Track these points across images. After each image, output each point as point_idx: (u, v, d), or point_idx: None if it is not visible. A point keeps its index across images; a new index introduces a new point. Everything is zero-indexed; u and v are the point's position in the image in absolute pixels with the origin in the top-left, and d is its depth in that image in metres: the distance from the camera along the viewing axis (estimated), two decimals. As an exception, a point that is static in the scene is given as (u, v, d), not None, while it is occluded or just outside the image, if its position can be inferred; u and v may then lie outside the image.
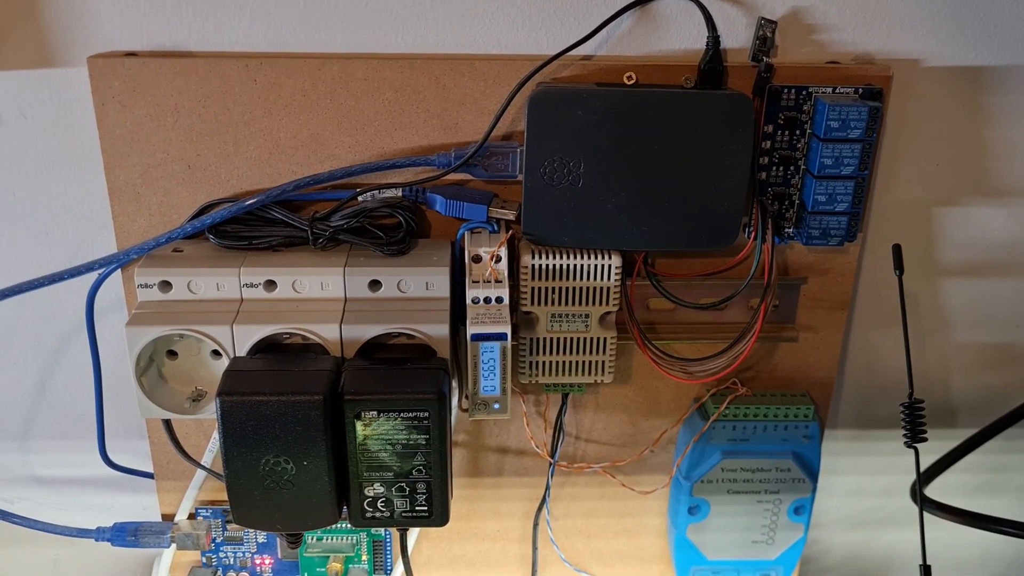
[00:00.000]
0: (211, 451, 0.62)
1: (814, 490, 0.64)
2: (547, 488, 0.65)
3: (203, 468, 0.61)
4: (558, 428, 0.62)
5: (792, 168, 0.57)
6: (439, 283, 0.54)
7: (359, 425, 0.50)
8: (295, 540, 0.55)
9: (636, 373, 0.63)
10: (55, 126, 0.57)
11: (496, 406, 0.54)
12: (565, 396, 0.62)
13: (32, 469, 0.72)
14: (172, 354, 0.55)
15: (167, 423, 0.59)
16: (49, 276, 0.55)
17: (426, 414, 0.50)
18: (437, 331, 0.53)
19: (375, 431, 0.50)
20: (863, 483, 0.78)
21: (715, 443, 0.62)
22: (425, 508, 0.52)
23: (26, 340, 0.66)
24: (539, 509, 0.66)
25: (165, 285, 0.54)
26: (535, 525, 0.67)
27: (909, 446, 0.58)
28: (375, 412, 0.49)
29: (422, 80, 0.54)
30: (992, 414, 0.66)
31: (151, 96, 0.54)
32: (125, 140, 0.55)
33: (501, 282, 0.54)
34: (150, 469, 0.70)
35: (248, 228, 0.56)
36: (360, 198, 0.56)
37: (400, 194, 0.56)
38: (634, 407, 0.64)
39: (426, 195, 0.56)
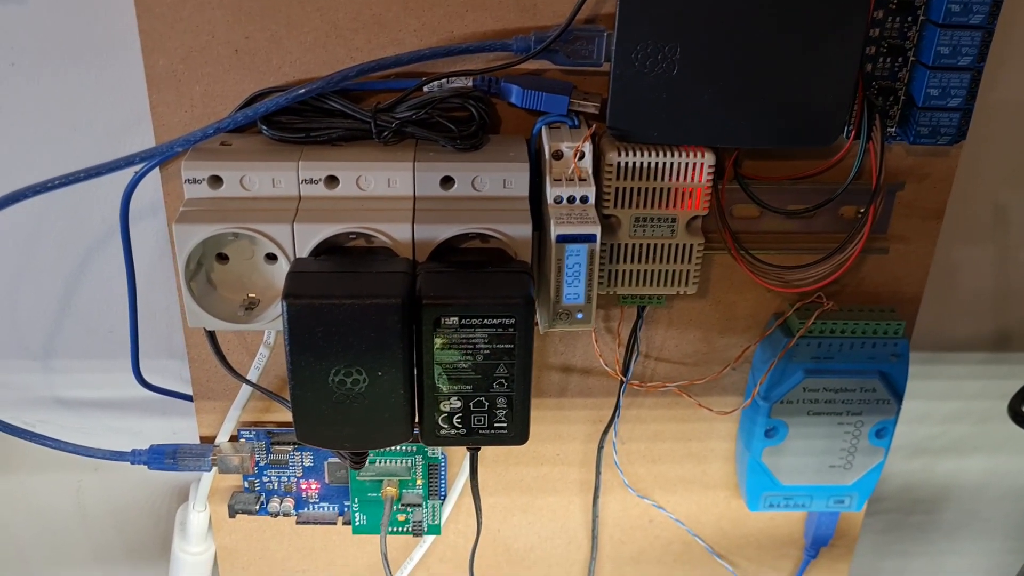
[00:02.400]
0: (257, 368, 0.57)
1: (898, 412, 0.60)
2: (616, 409, 0.61)
3: (252, 385, 0.56)
4: (632, 344, 0.58)
5: (900, 59, 0.52)
6: (518, 181, 0.49)
7: (437, 333, 0.45)
8: (359, 460, 0.50)
9: (713, 286, 0.58)
10: (85, 5, 0.51)
11: (579, 315, 0.49)
12: (641, 310, 0.57)
13: (55, 390, 0.68)
14: (222, 258, 0.50)
15: (211, 336, 0.55)
16: (84, 171, 0.49)
17: (512, 321, 0.45)
18: (519, 232, 0.48)
19: (454, 340, 0.45)
20: (926, 409, 0.74)
21: (797, 361, 0.58)
22: (504, 425, 0.48)
23: (49, 249, 0.61)
24: (605, 432, 0.62)
25: (215, 180, 0.49)
26: (599, 448, 0.63)
27: None
28: (456, 319, 0.45)
29: (500, -47, 0.49)
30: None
31: (195, -32, 0.49)
32: (165, 20, 0.50)
33: (586, 180, 0.49)
34: (184, 390, 0.65)
35: (304, 120, 0.50)
36: (426, 88, 0.51)
37: (471, 84, 0.51)
38: (709, 323, 0.60)
39: (500, 85, 0.51)
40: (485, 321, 0.45)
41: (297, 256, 0.48)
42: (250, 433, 0.61)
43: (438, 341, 0.45)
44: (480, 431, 0.48)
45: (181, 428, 0.70)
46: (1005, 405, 0.64)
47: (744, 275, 0.58)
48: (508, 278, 0.46)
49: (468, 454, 0.54)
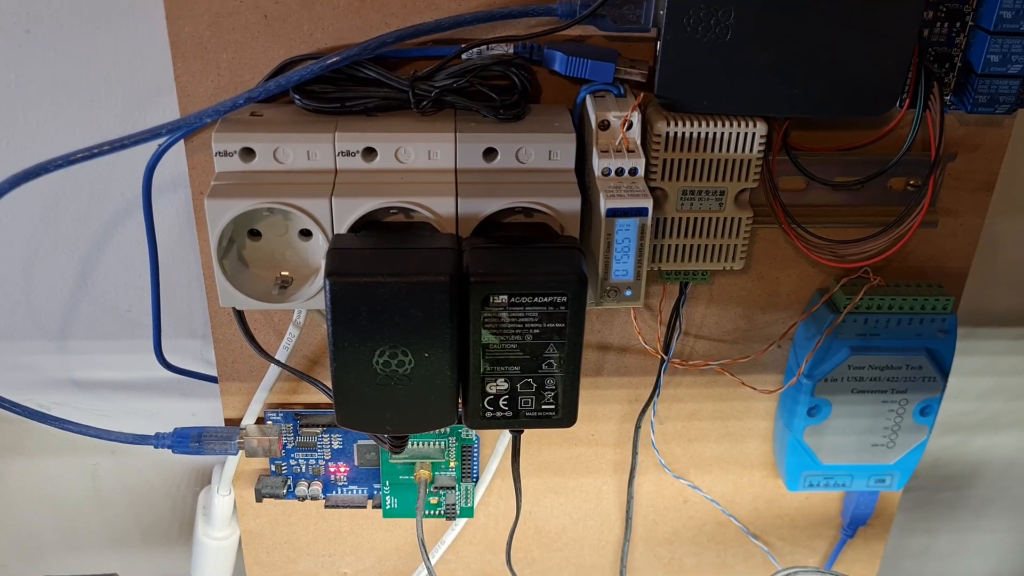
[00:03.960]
0: (286, 348, 0.55)
1: (943, 389, 0.58)
2: (656, 388, 0.59)
3: (282, 366, 0.54)
4: (674, 322, 0.56)
5: (958, 24, 0.50)
6: (564, 152, 0.47)
7: (485, 311, 0.43)
8: (400, 444, 0.48)
9: (756, 261, 0.57)
10: (106, -33, 0.49)
11: (628, 292, 0.47)
12: (684, 286, 0.56)
13: (70, 371, 0.66)
14: (253, 235, 0.48)
15: (240, 315, 0.52)
16: (108, 143, 0.47)
17: (564, 299, 0.43)
18: (567, 206, 0.46)
19: (503, 318, 0.43)
20: (963, 385, 0.73)
21: (843, 338, 0.56)
22: (552, 407, 0.46)
23: (64, 226, 0.58)
24: (643, 411, 0.60)
25: (247, 153, 0.46)
26: (637, 428, 0.61)
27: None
28: (505, 296, 0.43)
29: (545, -89, 0.46)
30: None
31: (223, -72, 0.46)
32: (192, -17, 0.47)
33: (634, 151, 0.47)
34: (205, 370, 0.63)
35: (338, 88, 0.48)
36: (464, 55, 0.48)
37: (511, 51, 0.49)
38: (751, 299, 0.58)
39: (543, 52, 0.49)
40: (536, 299, 0.43)
41: (336, 232, 0.45)
42: (277, 415, 0.59)
43: (485, 320, 0.43)
44: (527, 413, 0.46)
45: (200, 409, 0.68)
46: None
47: (788, 250, 0.56)
48: (558, 254, 0.44)
49: (510, 436, 0.52)
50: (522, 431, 0.51)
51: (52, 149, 0.54)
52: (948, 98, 0.51)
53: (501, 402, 0.46)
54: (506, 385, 0.45)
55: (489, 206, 0.45)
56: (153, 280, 0.56)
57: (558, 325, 0.44)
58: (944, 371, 0.58)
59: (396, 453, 0.48)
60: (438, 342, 0.43)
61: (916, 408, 0.59)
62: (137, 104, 0.53)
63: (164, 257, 0.57)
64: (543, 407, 0.46)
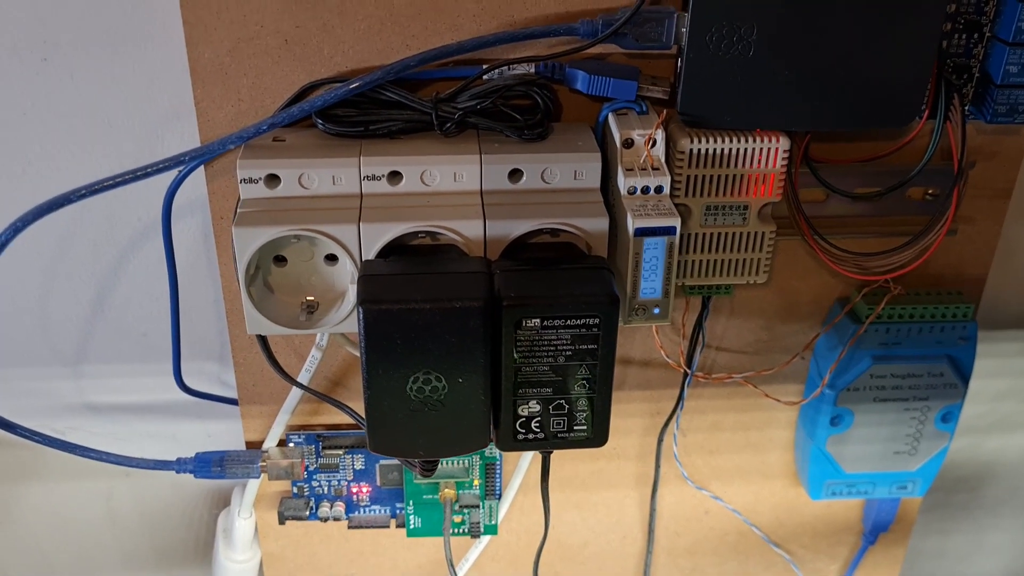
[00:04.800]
0: (308, 371, 0.55)
1: (964, 395, 0.59)
2: (679, 401, 0.59)
3: (307, 390, 0.54)
4: (697, 335, 0.56)
5: (976, 35, 0.50)
6: (590, 172, 0.47)
7: (518, 335, 0.43)
8: (431, 468, 0.48)
9: (776, 273, 0.57)
10: (123, -6, 0.49)
11: (656, 311, 0.47)
12: (706, 300, 0.56)
13: (85, 396, 0.65)
14: (279, 260, 0.48)
15: (263, 340, 0.52)
16: (131, 172, 0.46)
17: (596, 321, 0.43)
18: (595, 226, 0.46)
19: (535, 341, 0.43)
20: (976, 387, 0.73)
21: (865, 348, 0.56)
22: (584, 428, 0.46)
23: (80, 251, 0.58)
24: (665, 424, 0.60)
25: (272, 179, 0.46)
26: (659, 441, 0.61)
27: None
28: (538, 320, 0.43)
29: (565, -70, 0.46)
30: None
31: (243, -45, 0.46)
32: (211, 8, 0.47)
33: (659, 169, 0.47)
34: (222, 392, 0.63)
35: (361, 112, 0.48)
36: (486, 76, 0.48)
37: (533, 70, 0.49)
38: (772, 310, 0.58)
39: (565, 71, 0.49)
40: (568, 322, 0.43)
41: (364, 257, 0.45)
42: (299, 437, 0.59)
43: (518, 343, 0.43)
44: (559, 435, 0.46)
45: (216, 431, 0.68)
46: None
47: (808, 260, 0.56)
48: (589, 275, 0.44)
49: (532, 454, 0.52)
50: (551, 451, 0.50)
51: (69, 175, 0.54)
52: (967, 108, 0.52)
53: (533, 424, 0.46)
54: (538, 407, 0.45)
55: (517, 228, 0.45)
56: (173, 306, 0.55)
57: (590, 347, 0.44)
58: (965, 377, 0.58)
59: (427, 476, 0.48)
60: (472, 367, 0.43)
61: (938, 415, 0.59)
62: (154, 129, 0.53)
63: (180, 280, 0.57)
64: (575, 428, 0.46)
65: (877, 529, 0.66)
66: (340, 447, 0.59)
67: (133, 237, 0.58)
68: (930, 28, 0.47)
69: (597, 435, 0.46)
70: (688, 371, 0.57)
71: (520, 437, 0.46)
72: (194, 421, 0.67)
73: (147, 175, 0.46)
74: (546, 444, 0.46)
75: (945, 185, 0.55)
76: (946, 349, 0.57)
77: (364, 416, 0.44)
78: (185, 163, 0.47)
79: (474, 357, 0.42)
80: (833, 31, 0.46)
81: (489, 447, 0.57)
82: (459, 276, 0.43)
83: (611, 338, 0.44)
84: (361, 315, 0.41)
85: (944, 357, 0.57)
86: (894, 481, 0.62)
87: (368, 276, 0.43)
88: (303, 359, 0.55)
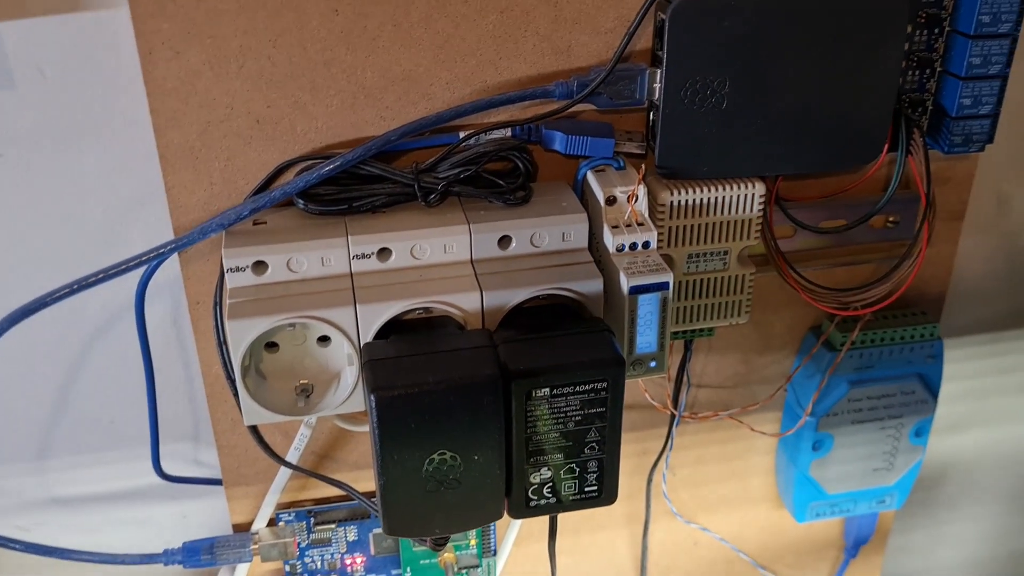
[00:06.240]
0: (297, 449, 0.54)
1: (934, 408, 0.61)
2: (668, 441, 0.59)
3: (299, 470, 0.53)
4: (682, 377, 0.57)
5: (928, 71, 0.52)
6: (577, 232, 0.47)
7: (528, 406, 0.43)
8: (443, 542, 0.48)
9: (752, 308, 0.58)
10: (84, 84, 0.47)
11: (652, 364, 0.48)
12: (688, 343, 0.56)
13: (50, 490, 0.63)
14: (270, 346, 0.47)
15: (254, 427, 0.51)
16: (113, 267, 0.44)
17: (604, 384, 0.43)
18: (591, 288, 0.46)
19: (544, 410, 0.43)
20: (932, 393, 0.76)
21: (840, 374, 0.58)
22: (595, 488, 0.46)
23: (46, 344, 0.56)
24: (654, 465, 0.61)
25: (260, 266, 0.45)
26: (649, 481, 0.62)
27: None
28: (547, 389, 0.43)
29: (533, -4, 0.47)
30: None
31: (210, 38, 0.45)
32: (179, 95, 0.45)
33: (644, 224, 0.48)
34: (198, 473, 0.61)
35: (343, 189, 0.47)
36: (463, 143, 0.48)
37: (508, 134, 0.49)
38: (748, 344, 0.59)
39: (541, 132, 0.49)
40: (577, 388, 0.43)
41: (361, 338, 0.44)
42: (289, 515, 0.57)
43: (528, 414, 0.43)
44: (571, 498, 0.46)
45: (191, 511, 0.65)
46: (1001, 381, 0.66)
47: (779, 293, 0.57)
48: (592, 339, 0.44)
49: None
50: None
51: (26, 271, 0.52)
52: (923, 139, 0.54)
53: (544, 490, 0.46)
54: (549, 473, 0.45)
55: (515, 296, 0.45)
56: (150, 393, 0.54)
57: (599, 410, 0.44)
58: (934, 392, 0.60)
59: (438, 550, 0.47)
60: (487, 441, 0.42)
61: (912, 430, 0.61)
62: (117, 220, 0.51)
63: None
64: (586, 489, 0.46)
65: (859, 543, 0.68)
66: (332, 521, 0.58)
67: (98, 324, 0.56)
68: (890, 68, 0.48)
69: (607, 493, 0.47)
70: (676, 413, 0.58)
71: (532, 504, 0.46)
72: (168, 502, 0.65)
73: (127, 270, 0.45)
74: (558, 508, 0.46)
75: (904, 212, 0.57)
76: (916, 368, 0.59)
77: (376, 499, 0.43)
78: (166, 254, 0.46)
79: (488, 432, 0.42)
80: (801, 77, 0.47)
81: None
82: (464, 352, 0.42)
83: (618, 399, 0.44)
84: (374, 403, 0.40)
85: (915, 375, 0.59)
86: (874, 496, 0.64)
87: (374, 361, 0.42)
88: (290, 437, 0.54)
